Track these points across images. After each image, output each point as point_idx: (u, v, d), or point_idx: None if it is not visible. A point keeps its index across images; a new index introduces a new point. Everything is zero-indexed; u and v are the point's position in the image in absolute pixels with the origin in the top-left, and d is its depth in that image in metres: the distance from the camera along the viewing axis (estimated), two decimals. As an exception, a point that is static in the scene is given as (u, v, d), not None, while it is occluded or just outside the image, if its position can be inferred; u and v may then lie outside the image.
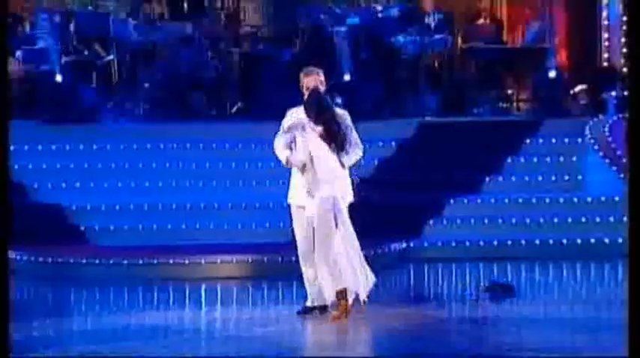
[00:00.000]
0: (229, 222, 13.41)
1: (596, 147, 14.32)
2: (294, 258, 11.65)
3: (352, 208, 12.51)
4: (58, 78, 15.27)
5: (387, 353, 8.61)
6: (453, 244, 13.24)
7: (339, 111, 9.51)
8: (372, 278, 9.47)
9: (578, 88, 15.87)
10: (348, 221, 9.46)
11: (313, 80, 9.37)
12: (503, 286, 10.79)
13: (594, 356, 7.75)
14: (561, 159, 14.36)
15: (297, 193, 9.46)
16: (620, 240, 12.67)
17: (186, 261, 12.00)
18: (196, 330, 9.54)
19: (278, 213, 12.99)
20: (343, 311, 9.24)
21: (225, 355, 8.25)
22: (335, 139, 9.27)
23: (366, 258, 11.73)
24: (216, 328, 9.81)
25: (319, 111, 9.24)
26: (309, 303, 9.58)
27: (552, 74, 15.66)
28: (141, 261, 11.98)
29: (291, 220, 9.59)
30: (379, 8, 16.67)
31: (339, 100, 12.81)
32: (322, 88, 9.42)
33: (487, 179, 14.12)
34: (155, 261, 12.01)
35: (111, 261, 11.97)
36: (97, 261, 12.06)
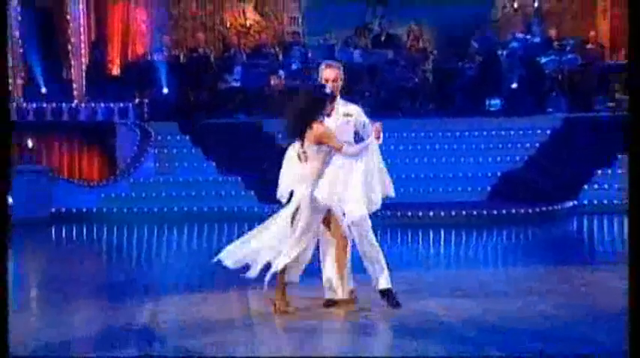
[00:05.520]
0: (437, 187, 13.05)
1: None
2: (495, 212, 11.64)
3: (531, 179, 11.93)
4: None
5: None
6: (605, 202, 12.71)
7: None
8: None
9: None
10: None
11: (333, 73, 6.60)
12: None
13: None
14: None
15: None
16: None
17: (420, 214, 11.68)
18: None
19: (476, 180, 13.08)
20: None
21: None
22: None
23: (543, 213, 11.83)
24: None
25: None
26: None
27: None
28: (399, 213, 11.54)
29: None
30: (529, 37, 16.08)
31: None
32: (340, 83, 6.64)
33: (619, 156, 13.46)
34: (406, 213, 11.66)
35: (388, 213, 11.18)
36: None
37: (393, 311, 6.28)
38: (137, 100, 14.35)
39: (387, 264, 6.49)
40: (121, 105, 14.01)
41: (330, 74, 6.57)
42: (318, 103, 6.31)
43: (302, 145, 6.31)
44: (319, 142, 6.28)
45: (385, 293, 6.41)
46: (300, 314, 6.26)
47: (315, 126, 6.25)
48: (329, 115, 6.45)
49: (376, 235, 6.46)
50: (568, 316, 6.11)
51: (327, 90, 6.37)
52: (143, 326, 6.01)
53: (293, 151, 6.46)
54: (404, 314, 6.19)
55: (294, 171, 6.41)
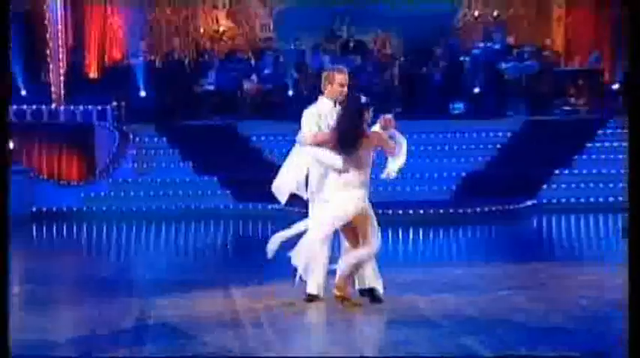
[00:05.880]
0: (404, 187, 13.05)
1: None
2: (460, 211, 11.73)
3: (493, 179, 12.01)
4: (290, 92, 15.15)
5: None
6: (563, 201, 12.88)
7: None
8: None
9: None
10: None
11: (345, 79, 6.49)
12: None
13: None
14: (624, 143, 13.90)
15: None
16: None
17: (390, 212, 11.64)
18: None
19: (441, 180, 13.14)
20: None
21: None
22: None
23: (505, 212, 11.91)
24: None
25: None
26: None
27: (616, 86, 15.21)
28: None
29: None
30: (489, 44, 16.23)
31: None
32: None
33: (576, 157, 13.75)
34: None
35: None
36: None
37: (375, 307, 6.30)
38: (115, 103, 14.30)
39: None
40: (99, 108, 13.95)
41: (344, 79, 6.43)
42: (364, 112, 6.22)
43: (347, 153, 6.13)
44: (375, 147, 6.26)
45: (366, 291, 6.40)
46: (285, 310, 6.23)
47: (370, 133, 6.21)
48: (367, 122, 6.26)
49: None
50: (539, 308, 6.20)
51: (364, 99, 6.28)
52: (130, 327, 5.87)
53: (299, 156, 6.35)
54: (385, 309, 6.22)
55: (334, 179, 6.24)
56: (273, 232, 10.94)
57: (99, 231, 11.60)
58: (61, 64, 14.92)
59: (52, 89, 14.74)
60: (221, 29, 17.52)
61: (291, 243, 6.40)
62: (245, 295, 6.76)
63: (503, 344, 5.17)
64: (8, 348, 4.25)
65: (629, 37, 4.59)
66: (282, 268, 6.48)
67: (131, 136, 13.73)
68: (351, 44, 16.96)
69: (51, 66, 14.83)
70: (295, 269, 6.29)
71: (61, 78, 14.82)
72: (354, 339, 5.63)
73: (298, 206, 11.50)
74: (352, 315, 6.10)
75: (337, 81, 6.42)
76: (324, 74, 6.55)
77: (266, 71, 15.90)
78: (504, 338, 5.29)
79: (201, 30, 17.39)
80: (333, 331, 5.83)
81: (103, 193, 12.95)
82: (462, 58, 15.79)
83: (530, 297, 6.62)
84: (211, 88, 15.46)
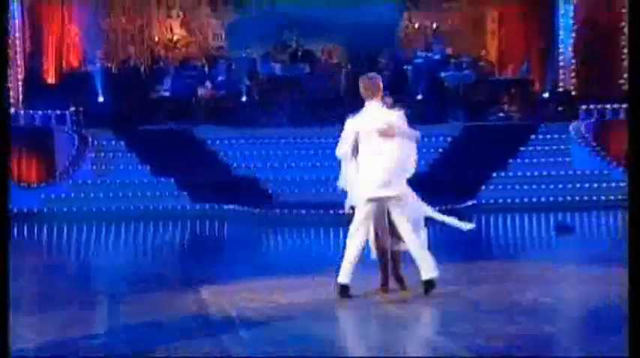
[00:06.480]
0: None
1: (578, 139, 14.33)
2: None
3: (436, 180, 12.28)
4: (243, 98, 15.21)
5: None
6: (500, 201, 13.23)
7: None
8: None
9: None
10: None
11: None
12: (567, 227, 10.75)
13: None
14: (554, 147, 14.39)
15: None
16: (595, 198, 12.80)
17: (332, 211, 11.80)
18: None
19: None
20: None
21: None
22: None
23: (447, 212, 12.00)
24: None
25: None
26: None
27: (546, 95, 15.71)
28: (304, 211, 11.68)
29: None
30: (429, 54, 16.56)
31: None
32: None
33: (511, 160, 14.13)
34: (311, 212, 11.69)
35: (285, 211, 11.80)
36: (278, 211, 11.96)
37: (339, 303, 6.34)
38: (73, 108, 14.18)
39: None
40: (58, 112, 13.82)
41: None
42: None
43: None
44: None
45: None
46: (253, 305, 6.20)
47: None
48: None
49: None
50: (487, 303, 6.33)
51: None
52: (91, 326, 5.73)
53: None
54: (348, 306, 6.29)
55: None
56: (229, 232, 10.95)
57: (59, 232, 11.49)
58: (19, 70, 14.74)
59: (11, 94, 14.53)
60: (175, 38, 17.50)
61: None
62: (210, 293, 6.71)
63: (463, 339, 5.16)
64: (8, 348, 4.11)
65: (629, 37, 4.57)
66: (239, 266, 6.36)
67: (90, 140, 13.64)
68: (300, 53, 17.08)
69: (9, 72, 14.61)
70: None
71: (19, 83, 14.64)
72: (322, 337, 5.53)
73: (252, 207, 12.08)
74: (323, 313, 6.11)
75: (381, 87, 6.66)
76: (371, 82, 6.61)
77: (219, 78, 15.95)
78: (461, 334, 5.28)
79: (156, 38, 17.35)
80: (302, 328, 5.77)
81: (63, 195, 12.85)
82: (404, 67, 16.06)
83: (475, 292, 6.72)
84: (167, 94, 15.48)
